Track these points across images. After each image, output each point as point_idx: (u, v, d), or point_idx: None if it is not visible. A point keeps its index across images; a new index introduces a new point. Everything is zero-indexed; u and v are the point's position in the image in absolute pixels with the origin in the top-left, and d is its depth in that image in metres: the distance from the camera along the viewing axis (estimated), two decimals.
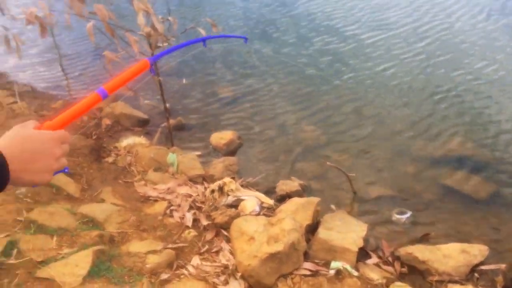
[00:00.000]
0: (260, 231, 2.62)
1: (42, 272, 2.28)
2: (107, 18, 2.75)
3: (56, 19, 3.31)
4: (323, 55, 5.51)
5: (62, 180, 3.16)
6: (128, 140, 3.89)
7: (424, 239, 3.03)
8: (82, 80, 5.20)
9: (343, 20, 6.54)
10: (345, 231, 2.85)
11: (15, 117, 4.24)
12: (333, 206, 3.30)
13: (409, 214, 3.24)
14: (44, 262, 2.37)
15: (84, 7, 2.73)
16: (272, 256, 2.49)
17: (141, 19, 2.92)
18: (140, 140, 3.89)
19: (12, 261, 2.34)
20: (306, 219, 2.92)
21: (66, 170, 0.92)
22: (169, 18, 3.19)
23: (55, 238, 2.56)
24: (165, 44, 3.29)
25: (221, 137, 4.02)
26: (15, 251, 2.41)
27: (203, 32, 3.20)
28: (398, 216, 3.24)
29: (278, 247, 2.51)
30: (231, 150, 3.98)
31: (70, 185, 3.16)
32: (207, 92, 4.87)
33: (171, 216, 3.05)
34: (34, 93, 4.91)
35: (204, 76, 5.18)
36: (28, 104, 4.54)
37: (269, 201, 3.23)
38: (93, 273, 2.35)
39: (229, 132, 4.06)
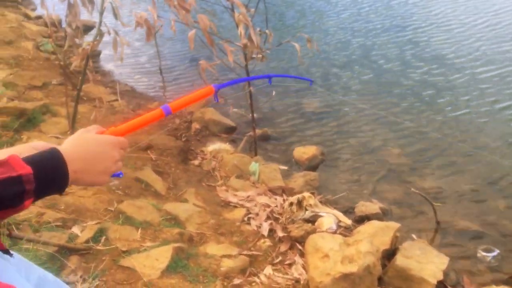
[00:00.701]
0: (336, 249, 2.60)
1: (125, 261, 2.43)
2: (207, 28, 2.89)
3: (162, 25, 3.53)
4: (427, 86, 5.23)
5: (151, 177, 3.35)
6: (214, 146, 4.03)
7: (511, 282, 2.83)
8: (177, 84, 5.48)
9: (455, 49, 6.16)
10: (425, 262, 2.74)
11: (115, 113, 4.56)
12: (413, 235, 3.18)
13: (496, 252, 3.04)
14: (127, 252, 2.52)
15: (189, 16, 2.89)
16: (345, 277, 2.46)
17: (241, 30, 3.03)
18: (226, 146, 4.02)
19: (100, 247, 2.51)
20: (384, 243, 2.85)
21: (121, 175, 0.96)
22: (266, 31, 3.29)
23: (139, 231, 2.71)
24: (259, 55, 3.39)
25: (304, 151, 4.04)
26: (103, 238, 2.59)
27: (297, 47, 3.26)
28: (484, 254, 3.06)
29: (353, 268, 2.47)
30: (313, 165, 3.98)
31: (157, 183, 3.33)
32: (295, 105, 4.92)
33: (248, 223, 3.11)
34: (134, 93, 5.25)
35: (293, 89, 5.24)
36: (127, 102, 4.86)
37: (347, 221, 3.19)
38: (171, 268, 2.46)
39: (312, 147, 4.07)
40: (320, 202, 3.40)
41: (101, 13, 2.89)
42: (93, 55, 5.85)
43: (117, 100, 4.87)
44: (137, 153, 3.72)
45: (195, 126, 4.40)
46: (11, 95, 4.14)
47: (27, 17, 7.35)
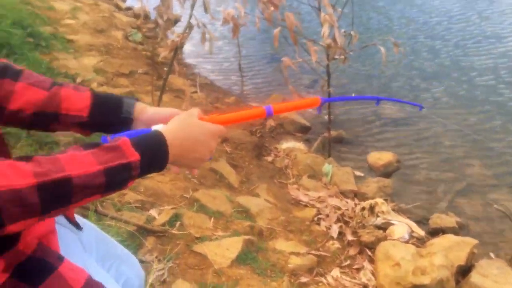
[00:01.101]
0: (408, 259, 2.53)
1: (198, 247, 2.50)
2: (293, 27, 2.91)
3: (245, 22, 3.59)
4: None
5: (226, 169, 3.42)
6: (288, 144, 4.05)
7: None
8: (256, 81, 5.55)
9: None
10: (502, 282, 2.60)
11: (195, 105, 4.70)
12: (491, 254, 3.03)
13: None
14: (200, 239, 2.60)
15: (277, 12, 2.93)
16: None
17: (325, 30, 3.03)
18: (300, 145, 4.02)
19: (174, 231, 2.61)
20: (459, 259, 2.73)
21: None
22: (352, 32, 3.25)
23: (212, 220, 2.79)
24: (342, 57, 3.36)
25: (379, 157, 3.96)
26: (178, 223, 2.68)
27: (383, 51, 3.20)
28: None
29: (425, 280, 2.40)
30: (387, 172, 3.89)
31: (231, 175, 3.40)
32: (372, 109, 4.82)
33: (318, 224, 3.10)
34: (212, 86, 5.38)
35: (372, 92, 5.14)
36: (206, 95, 5.00)
37: (420, 232, 3.09)
38: (240, 259, 2.50)
39: (388, 154, 3.97)
40: (393, 210, 3.32)
41: (192, 6, 3.00)
42: (180, 47, 6.07)
43: (196, 92, 5.02)
44: None
45: (270, 123, 4.44)
46: (100, 80, 4.39)
47: (118, 7, 7.75)
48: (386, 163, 3.90)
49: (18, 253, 0.86)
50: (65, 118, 1.00)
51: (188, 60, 6.13)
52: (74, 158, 0.76)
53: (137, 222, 2.51)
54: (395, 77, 5.60)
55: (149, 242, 2.46)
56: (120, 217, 2.46)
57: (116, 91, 4.23)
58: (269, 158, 3.88)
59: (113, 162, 0.79)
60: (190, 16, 3.07)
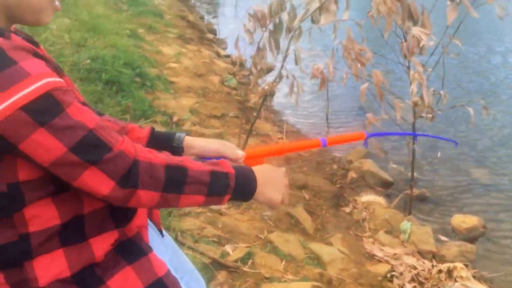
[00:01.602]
0: None
1: (266, 287, 2.57)
2: (380, 83, 2.98)
3: (334, 77, 3.71)
4: None
5: (302, 215, 3.49)
6: (368, 197, 4.04)
7: None
8: (341, 133, 5.62)
9: None
10: None
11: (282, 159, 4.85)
12: None
13: None
14: (269, 279, 2.66)
15: (364, 70, 3.03)
16: None
17: (413, 88, 3.06)
18: (380, 200, 3.99)
19: (246, 268, 2.71)
20: None
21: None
22: (441, 92, 3.25)
23: (283, 262, 2.85)
24: (429, 115, 3.35)
25: (464, 220, 3.80)
26: (250, 261, 2.78)
27: (471, 112, 3.15)
28: None
29: None
30: (471, 237, 3.72)
31: (307, 222, 3.46)
32: (460, 171, 4.67)
33: (391, 281, 3.04)
34: (298, 134, 5.53)
35: (459, 154, 4.98)
36: (290, 141, 5.14)
37: None
38: None
39: (473, 218, 3.81)
40: (474, 277, 3.16)
41: (284, 58, 3.19)
42: (269, 94, 6.35)
43: (282, 138, 5.19)
44: (293, 190, 3.91)
45: (352, 174, 4.46)
46: (194, 120, 4.72)
47: (218, 54, 8.30)
48: (470, 227, 3.74)
49: (124, 232, 1.04)
50: None
51: (278, 107, 6.37)
52: (189, 159, 0.98)
53: (212, 255, 2.65)
54: (481, 137, 5.38)
55: (221, 275, 2.57)
56: (197, 248, 2.61)
57: (207, 131, 4.53)
58: (347, 209, 3.89)
59: (217, 168, 0.99)
60: (281, 67, 3.26)
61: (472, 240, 3.72)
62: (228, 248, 2.84)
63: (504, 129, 5.63)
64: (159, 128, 4.21)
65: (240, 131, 4.38)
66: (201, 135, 4.28)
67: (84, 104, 0.93)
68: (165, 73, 5.88)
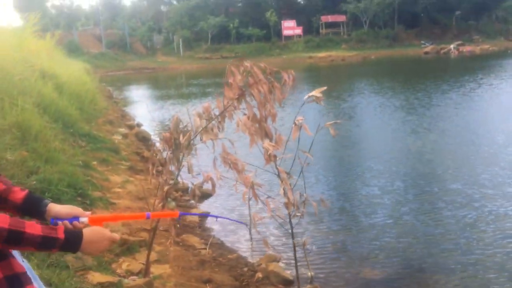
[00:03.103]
0: None
1: None
2: (250, 185, 3.91)
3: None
4: None
5: None
6: None
7: None
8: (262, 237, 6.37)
9: None
10: None
11: (198, 260, 5.55)
12: None
13: None
14: None
15: (242, 175, 3.95)
16: None
17: (282, 191, 4.00)
18: None
19: None
20: None
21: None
22: (304, 194, 4.20)
23: None
24: (298, 214, 4.25)
25: None
26: None
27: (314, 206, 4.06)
28: None
29: None
30: None
31: None
32: (351, 270, 5.40)
33: None
34: (222, 245, 6.25)
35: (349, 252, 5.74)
36: (212, 252, 5.86)
37: None
38: None
39: None
40: None
41: (179, 170, 4.13)
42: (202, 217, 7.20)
43: (205, 249, 5.92)
44: (198, 283, 4.58)
45: (259, 275, 5.15)
46: (124, 231, 5.46)
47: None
48: None
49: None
50: (8, 203, 1.99)
51: (208, 224, 7.17)
52: (33, 224, 1.71)
53: None
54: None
55: None
56: None
57: (134, 240, 5.26)
58: None
59: (50, 234, 1.73)
60: (177, 176, 4.18)
61: None
62: None
63: None
64: None
65: (169, 242, 5.15)
66: (126, 241, 5.02)
67: None
68: (108, 196, 6.72)
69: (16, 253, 1.90)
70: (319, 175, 9.29)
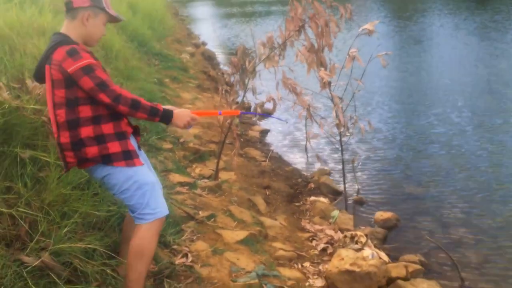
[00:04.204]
0: (350, 256, 3.76)
1: (218, 230, 4.01)
2: (306, 107, 4.51)
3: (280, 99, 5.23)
4: None
5: (259, 201, 4.93)
6: (315, 198, 5.45)
7: None
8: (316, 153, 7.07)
9: None
10: None
11: (260, 170, 6.34)
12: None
13: None
14: (223, 229, 4.10)
15: (299, 97, 4.55)
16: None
17: (334, 113, 4.58)
18: (323, 199, 5.39)
19: (208, 223, 4.15)
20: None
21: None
22: (354, 116, 4.75)
23: (235, 223, 4.29)
24: (348, 134, 4.83)
25: (382, 214, 5.14)
26: (212, 220, 4.23)
27: (362, 128, 4.61)
28: None
29: (356, 268, 3.61)
30: (386, 226, 5.03)
31: (262, 205, 4.90)
32: (399, 181, 6.01)
33: (311, 241, 4.42)
34: (280, 159, 7.01)
35: (396, 169, 6.31)
36: (271, 164, 6.63)
37: (385, 257, 4.23)
38: (242, 242, 3.94)
39: (389, 213, 5.14)
40: (374, 245, 4.49)
41: (245, 92, 4.78)
42: (262, 131, 7.95)
43: (265, 161, 6.70)
44: (258, 188, 5.39)
45: (311, 185, 5.89)
46: (196, 142, 6.30)
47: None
48: (385, 219, 5.07)
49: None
50: None
51: (268, 140, 7.93)
52: (142, 99, 2.47)
53: (187, 211, 4.13)
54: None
55: (190, 224, 4.04)
56: (177, 204, 4.11)
57: (203, 149, 6.09)
58: (297, 204, 5.31)
59: (156, 106, 2.49)
60: (243, 97, 4.83)
61: (387, 228, 5.03)
62: (198, 210, 4.32)
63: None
64: (168, 146, 5.82)
65: (234, 153, 5.93)
66: (197, 150, 5.87)
67: (105, 71, 2.52)
68: None
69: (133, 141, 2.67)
70: (378, 103, 9.62)
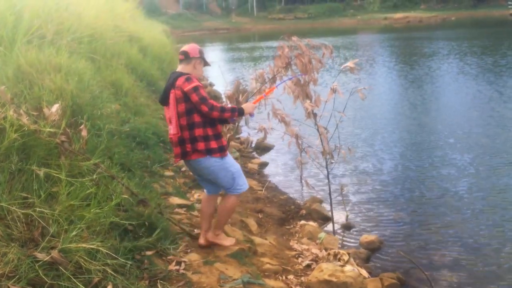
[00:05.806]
0: (329, 269, 4.13)
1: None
2: (294, 136, 4.98)
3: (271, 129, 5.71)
4: None
5: (250, 222, 5.33)
6: (304, 222, 5.83)
7: None
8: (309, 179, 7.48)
9: None
10: None
11: (256, 198, 6.77)
12: None
13: None
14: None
15: (289, 128, 5.03)
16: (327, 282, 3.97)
17: (318, 141, 5.04)
18: (312, 223, 5.78)
19: None
20: None
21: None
22: (337, 145, 5.21)
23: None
24: (333, 162, 5.27)
25: (367, 237, 5.51)
26: None
27: (343, 154, 5.04)
28: None
29: (333, 279, 3.98)
30: (369, 248, 5.39)
31: (253, 226, 5.29)
32: (385, 205, 6.37)
33: (297, 258, 4.79)
34: (275, 189, 7.43)
35: (380, 196, 6.68)
36: (267, 193, 7.05)
37: (365, 274, 4.58)
38: (232, 255, 4.33)
39: (374, 236, 5.51)
40: (357, 264, 4.85)
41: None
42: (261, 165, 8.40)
43: (261, 190, 7.12)
44: (252, 212, 5.80)
45: (303, 211, 6.29)
46: None
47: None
48: (369, 241, 5.43)
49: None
50: None
51: (265, 171, 8.38)
52: (224, 105, 3.79)
53: (184, 228, 4.54)
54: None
55: (185, 240, 4.44)
56: (175, 221, 4.53)
57: None
58: (288, 227, 5.69)
59: (234, 106, 3.80)
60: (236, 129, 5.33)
61: (370, 249, 5.39)
62: (194, 228, 4.73)
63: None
64: (170, 173, 6.29)
65: None
66: None
67: (205, 91, 3.60)
68: None
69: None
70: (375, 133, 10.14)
